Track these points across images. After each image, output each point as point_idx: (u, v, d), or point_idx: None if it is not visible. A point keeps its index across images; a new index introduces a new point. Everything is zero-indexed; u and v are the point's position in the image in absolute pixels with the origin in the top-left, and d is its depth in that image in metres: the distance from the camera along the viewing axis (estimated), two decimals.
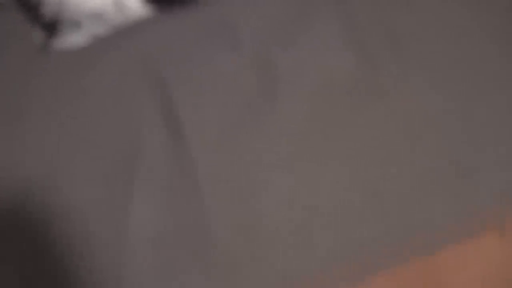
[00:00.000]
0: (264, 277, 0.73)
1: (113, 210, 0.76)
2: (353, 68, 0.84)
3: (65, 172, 0.78)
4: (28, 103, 0.83)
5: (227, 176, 0.77)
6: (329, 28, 0.86)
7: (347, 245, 0.74)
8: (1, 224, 0.76)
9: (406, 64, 0.83)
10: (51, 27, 0.85)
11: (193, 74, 0.84)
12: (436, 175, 0.77)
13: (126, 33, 0.87)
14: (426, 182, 0.77)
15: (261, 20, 0.87)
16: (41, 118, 0.82)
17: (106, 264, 0.73)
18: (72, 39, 0.86)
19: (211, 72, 0.84)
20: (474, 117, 0.80)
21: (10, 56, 0.87)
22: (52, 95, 0.83)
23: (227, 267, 0.73)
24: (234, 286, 0.73)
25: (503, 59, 0.83)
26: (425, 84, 0.83)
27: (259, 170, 0.78)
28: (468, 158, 0.78)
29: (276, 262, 0.73)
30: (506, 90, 0.82)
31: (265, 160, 0.78)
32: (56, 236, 0.74)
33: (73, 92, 0.84)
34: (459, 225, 0.78)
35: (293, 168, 0.78)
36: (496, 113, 0.80)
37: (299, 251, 0.74)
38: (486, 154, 0.78)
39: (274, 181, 0.77)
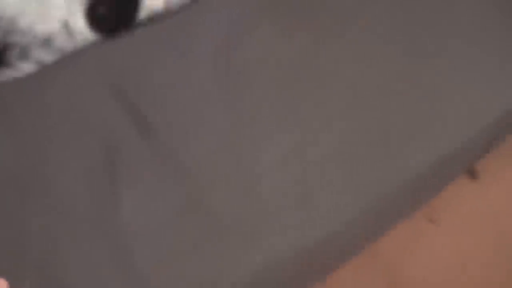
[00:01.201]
0: (267, 240, 0.73)
1: (102, 209, 0.74)
2: (294, 55, 0.92)
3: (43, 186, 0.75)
4: None
5: (214, 157, 0.79)
6: (264, 30, 0.94)
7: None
8: None
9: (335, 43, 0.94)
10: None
11: (150, 84, 0.87)
12: (400, 128, 0.86)
13: (75, 56, 0.90)
14: (394, 134, 0.86)
15: (204, 34, 0.94)
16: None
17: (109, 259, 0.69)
18: (20, 67, 0.87)
19: (166, 79, 0.88)
20: (421, 75, 0.92)
21: None
22: (16, 116, 0.81)
23: (233, 239, 0.73)
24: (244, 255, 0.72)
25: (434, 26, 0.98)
26: (360, 63, 0.93)
27: (242, 145, 0.81)
28: (426, 111, 0.88)
29: (277, 223, 0.75)
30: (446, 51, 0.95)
31: (243, 133, 0.82)
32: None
33: (35, 110, 0.82)
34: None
35: (270, 142, 0.82)
36: (439, 73, 0.93)
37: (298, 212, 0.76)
38: (443, 106, 0.89)
39: (262, 154, 0.80)
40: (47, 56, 0.88)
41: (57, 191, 0.73)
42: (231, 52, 0.91)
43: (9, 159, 0.77)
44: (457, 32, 1.00)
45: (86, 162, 0.77)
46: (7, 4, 0.82)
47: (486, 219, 1.21)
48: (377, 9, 0.98)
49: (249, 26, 0.95)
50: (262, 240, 0.73)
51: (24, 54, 0.86)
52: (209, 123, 0.83)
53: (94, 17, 0.89)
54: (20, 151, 0.78)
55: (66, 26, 0.87)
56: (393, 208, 0.88)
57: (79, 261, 0.68)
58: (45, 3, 0.83)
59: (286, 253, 0.74)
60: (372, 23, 0.97)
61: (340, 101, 0.87)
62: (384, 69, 0.92)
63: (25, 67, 0.87)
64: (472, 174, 1.22)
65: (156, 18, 0.96)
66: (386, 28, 0.96)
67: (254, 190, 0.76)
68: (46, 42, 0.87)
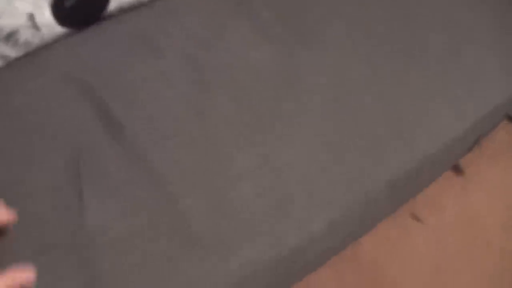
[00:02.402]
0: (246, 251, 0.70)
1: (68, 216, 0.70)
2: (272, 60, 0.89)
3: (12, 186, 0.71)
4: None
5: (185, 161, 0.75)
6: (241, 30, 0.92)
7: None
8: None
9: (313, 46, 0.91)
10: None
11: (120, 81, 0.83)
12: (381, 132, 0.83)
13: (41, 52, 0.85)
14: (376, 135, 0.83)
15: (174, 30, 0.90)
16: None
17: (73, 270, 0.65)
18: None
19: (137, 76, 0.84)
20: (403, 74, 0.89)
21: None
22: None
23: (207, 247, 0.70)
24: (219, 264, 0.69)
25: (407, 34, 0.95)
26: (334, 59, 0.90)
27: (213, 146, 0.77)
28: (410, 111, 0.86)
29: (251, 231, 0.72)
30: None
31: (215, 137, 0.78)
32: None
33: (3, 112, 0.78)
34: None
35: (245, 141, 0.79)
36: (422, 72, 0.90)
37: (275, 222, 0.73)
38: (427, 106, 0.87)
39: (233, 152, 0.77)
40: (11, 52, 0.83)
41: (19, 196, 0.69)
42: (206, 53, 0.87)
43: None
44: (439, 29, 0.98)
45: (51, 164, 0.72)
46: None
47: (470, 216, 1.20)
48: (360, 11, 0.95)
49: (226, 24, 0.91)
50: (237, 249, 0.70)
51: None
52: (181, 126, 0.79)
53: (61, 9, 0.84)
54: None
55: (31, 19, 0.82)
56: (375, 210, 0.86)
57: (42, 274, 0.65)
58: None
59: (261, 261, 0.70)
60: (355, 24, 0.94)
61: (318, 105, 0.84)
62: (365, 70, 0.89)
63: None
64: (457, 169, 1.20)
65: (127, 10, 0.91)
66: (369, 28, 0.94)
67: (226, 197, 0.72)
68: (10, 36, 0.82)
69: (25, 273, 0.58)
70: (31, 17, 0.82)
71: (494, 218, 1.19)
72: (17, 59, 0.84)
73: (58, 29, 0.85)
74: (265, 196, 0.74)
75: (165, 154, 0.75)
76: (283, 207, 0.74)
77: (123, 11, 0.91)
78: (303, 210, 0.75)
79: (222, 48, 0.89)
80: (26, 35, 0.83)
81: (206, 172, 0.74)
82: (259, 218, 0.72)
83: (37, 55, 0.85)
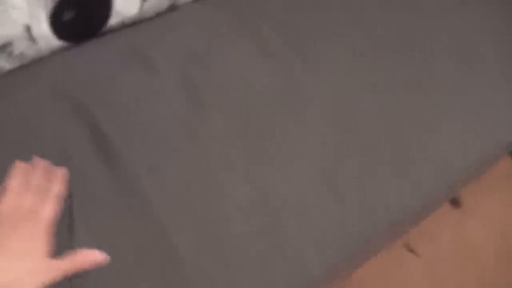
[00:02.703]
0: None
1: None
2: (269, 78, 0.86)
3: None
4: None
5: (178, 192, 0.72)
6: (240, 47, 0.89)
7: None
8: None
9: (315, 69, 0.88)
10: None
11: (113, 99, 0.80)
12: (384, 168, 0.81)
13: (36, 66, 0.82)
14: (376, 169, 0.80)
15: (171, 47, 0.87)
16: None
17: None
18: None
19: (131, 95, 0.81)
20: (410, 104, 0.86)
21: None
22: None
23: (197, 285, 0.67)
24: None
25: (412, 63, 0.92)
26: (336, 86, 0.87)
27: (207, 176, 0.74)
28: (413, 145, 0.83)
29: (243, 272, 0.69)
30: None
31: (209, 166, 0.75)
32: None
33: None
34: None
35: (240, 172, 0.76)
36: (429, 102, 0.87)
37: (269, 259, 0.70)
38: (432, 140, 0.85)
39: (227, 185, 0.74)
40: (5, 63, 0.80)
41: None
42: (202, 70, 0.84)
43: None
44: (447, 57, 0.95)
45: None
46: None
47: (465, 247, 1.18)
48: (364, 31, 0.92)
49: (225, 41, 0.88)
50: None
51: None
52: (174, 152, 0.76)
53: (59, 22, 0.81)
54: None
55: (28, 31, 0.79)
56: (372, 249, 0.83)
57: None
58: (3, 4, 0.75)
59: None
60: (359, 46, 0.91)
61: (318, 135, 0.81)
62: (368, 98, 0.86)
63: None
64: (454, 202, 1.17)
65: (129, 25, 0.89)
66: (373, 52, 0.91)
67: (219, 234, 0.69)
68: (5, 48, 0.79)
69: (96, 255, 0.61)
70: (27, 28, 0.79)
71: (489, 249, 1.17)
72: (11, 71, 0.81)
73: (56, 42, 0.82)
74: (259, 235, 0.71)
75: (158, 184, 0.72)
76: (278, 249, 0.71)
77: (125, 26, 0.88)
78: (299, 252, 0.72)
79: (220, 66, 0.86)
80: (21, 47, 0.80)
81: (199, 205, 0.71)
82: (252, 259, 0.69)
83: (31, 66, 0.82)
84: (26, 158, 0.71)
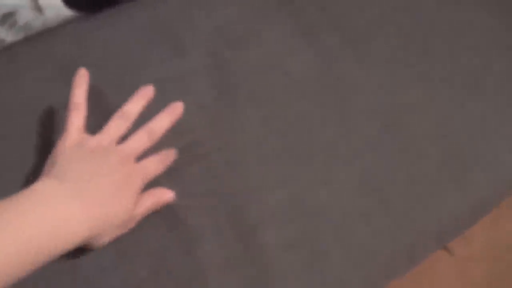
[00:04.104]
0: None
1: None
2: (314, 69, 0.76)
3: None
4: None
5: (202, 197, 0.64)
6: (279, 28, 0.78)
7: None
8: None
9: (363, 57, 0.78)
10: None
11: (132, 81, 0.69)
12: (436, 167, 0.71)
13: (43, 39, 0.72)
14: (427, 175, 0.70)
15: (201, 24, 0.77)
16: None
17: None
18: None
19: (152, 78, 0.70)
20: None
21: None
22: None
23: None
24: None
25: (466, 52, 0.81)
26: (388, 78, 0.77)
27: (235, 177, 0.65)
28: (465, 149, 0.73)
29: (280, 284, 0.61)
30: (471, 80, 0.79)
31: (238, 165, 0.66)
32: None
33: None
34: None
35: (273, 183, 0.66)
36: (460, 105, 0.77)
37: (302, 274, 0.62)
38: (486, 143, 0.75)
39: (262, 198, 0.65)
40: (6, 35, 0.70)
41: None
42: (236, 53, 0.74)
43: None
44: (505, 55, 0.83)
45: None
46: None
47: (500, 249, 1.11)
48: (417, 21, 0.81)
49: (263, 21, 0.78)
50: None
51: None
52: (196, 146, 0.66)
53: None
54: None
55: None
56: (416, 262, 0.75)
57: None
58: None
59: None
60: (410, 35, 0.80)
61: (363, 134, 0.71)
62: (419, 94, 0.76)
63: None
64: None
65: None
66: (426, 42, 0.80)
67: (250, 246, 0.61)
68: (7, 17, 0.68)
69: (167, 193, 0.60)
70: None
71: None
72: (13, 45, 0.71)
73: (65, 12, 0.72)
74: (294, 247, 0.62)
75: (177, 187, 0.63)
76: (316, 263, 0.62)
77: None
78: (339, 267, 0.63)
79: (256, 50, 0.76)
80: (26, 17, 0.70)
81: (227, 212, 0.62)
82: (286, 275, 0.61)
83: (37, 40, 0.71)
84: (34, 148, 0.62)
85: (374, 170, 0.70)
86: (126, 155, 0.57)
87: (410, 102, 0.76)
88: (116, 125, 0.59)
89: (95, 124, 0.61)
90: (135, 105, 0.62)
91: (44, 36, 0.71)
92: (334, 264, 0.63)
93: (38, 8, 0.69)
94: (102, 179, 0.53)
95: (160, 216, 0.61)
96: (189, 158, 0.65)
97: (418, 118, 0.75)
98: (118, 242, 0.56)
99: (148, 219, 0.59)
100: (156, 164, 0.60)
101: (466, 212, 0.72)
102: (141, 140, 0.59)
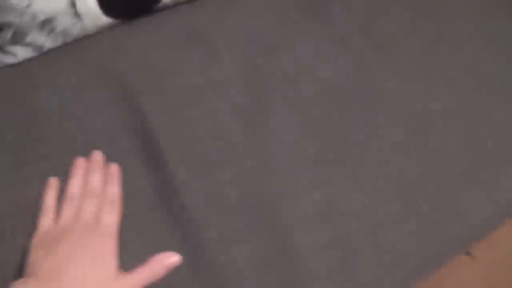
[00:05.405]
0: None
1: None
2: (345, 75, 0.77)
3: None
4: None
5: (236, 201, 0.65)
6: (311, 36, 0.79)
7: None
8: None
9: (394, 64, 0.79)
10: None
11: (166, 87, 0.72)
12: (466, 172, 0.72)
13: (80, 45, 0.73)
14: (457, 180, 0.71)
15: (235, 30, 0.78)
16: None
17: None
18: (12, 52, 0.71)
19: (187, 85, 0.72)
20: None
21: None
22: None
23: None
24: None
25: (493, 59, 0.82)
26: (418, 84, 0.78)
27: (268, 181, 0.66)
28: (492, 155, 0.74)
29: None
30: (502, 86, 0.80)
31: (271, 169, 0.67)
32: None
33: (28, 111, 0.68)
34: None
35: (306, 185, 0.67)
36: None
37: (335, 277, 0.63)
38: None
39: (296, 200, 0.66)
40: (46, 41, 0.72)
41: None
42: (270, 60, 0.75)
43: None
44: None
45: None
46: None
47: None
48: (447, 27, 0.82)
49: (296, 27, 0.79)
50: None
51: (19, 37, 0.70)
52: (231, 154, 0.67)
53: None
54: None
55: (72, 5, 0.70)
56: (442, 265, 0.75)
57: None
58: None
59: None
60: (440, 41, 0.81)
61: (393, 140, 0.72)
62: (449, 100, 0.76)
63: (19, 53, 0.71)
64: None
65: (184, 2, 0.79)
66: (455, 49, 0.80)
67: (284, 246, 0.61)
68: (47, 23, 0.70)
69: (170, 257, 0.56)
70: (72, 2, 0.70)
71: None
72: (52, 50, 0.73)
73: (103, 20, 0.74)
74: (328, 249, 0.63)
75: (208, 192, 0.64)
76: (347, 265, 0.63)
77: (179, 3, 0.79)
78: (370, 268, 0.64)
79: (289, 57, 0.77)
80: (64, 23, 0.71)
81: (261, 213, 0.63)
82: (320, 275, 0.62)
83: (74, 46, 0.73)
84: (70, 151, 0.64)
85: (404, 175, 0.70)
86: (84, 225, 0.55)
87: (439, 108, 0.76)
88: (67, 208, 0.58)
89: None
90: (75, 181, 0.60)
91: (82, 43, 0.73)
92: (367, 265, 0.64)
93: (77, 15, 0.71)
94: (72, 264, 0.51)
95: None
96: (224, 162, 0.66)
97: (447, 124, 0.75)
98: None
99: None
100: (109, 213, 0.57)
101: (492, 216, 0.73)
102: (91, 204, 0.58)
